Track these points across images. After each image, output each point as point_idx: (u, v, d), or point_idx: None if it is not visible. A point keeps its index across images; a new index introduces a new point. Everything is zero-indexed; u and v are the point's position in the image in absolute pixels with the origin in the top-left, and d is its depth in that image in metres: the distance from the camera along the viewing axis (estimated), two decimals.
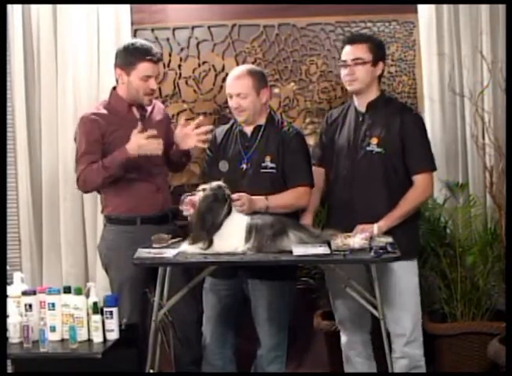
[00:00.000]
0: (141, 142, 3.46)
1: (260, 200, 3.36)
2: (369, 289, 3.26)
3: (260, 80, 3.51)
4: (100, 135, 3.54)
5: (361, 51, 3.44)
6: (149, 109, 3.68)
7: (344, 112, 3.59)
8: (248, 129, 3.56)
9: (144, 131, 3.48)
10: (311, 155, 3.60)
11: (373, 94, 3.49)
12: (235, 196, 3.25)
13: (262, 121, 3.55)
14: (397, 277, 3.38)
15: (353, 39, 3.51)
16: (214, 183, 3.23)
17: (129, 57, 3.55)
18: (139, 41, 3.69)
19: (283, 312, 3.52)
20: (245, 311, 3.60)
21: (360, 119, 3.50)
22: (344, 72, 3.47)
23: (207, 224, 3.15)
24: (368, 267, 3.44)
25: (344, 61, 3.47)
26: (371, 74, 3.45)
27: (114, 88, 3.67)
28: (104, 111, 3.60)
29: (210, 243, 3.14)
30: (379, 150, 3.42)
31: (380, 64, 3.48)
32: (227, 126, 3.66)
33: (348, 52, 3.46)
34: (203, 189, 3.23)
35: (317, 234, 3.22)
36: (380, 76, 3.53)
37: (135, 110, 3.64)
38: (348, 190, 3.46)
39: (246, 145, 3.54)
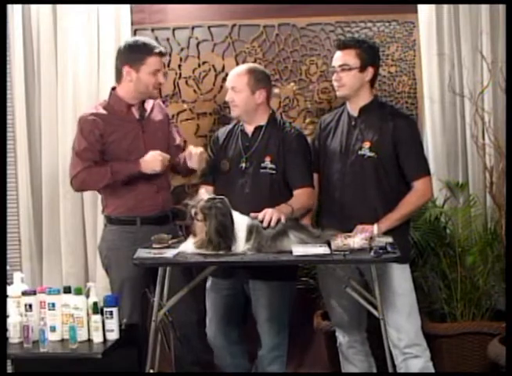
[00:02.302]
0: (157, 159, 3.47)
1: (285, 208, 3.34)
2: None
3: (259, 79, 3.52)
4: (99, 135, 3.53)
5: (348, 57, 3.42)
6: (148, 109, 3.68)
7: (337, 116, 3.58)
8: (249, 129, 3.57)
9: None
10: None
11: (365, 98, 3.49)
12: (260, 215, 3.24)
13: (263, 121, 3.56)
14: (389, 282, 3.38)
15: (342, 44, 3.48)
16: (217, 197, 3.22)
17: (137, 53, 3.55)
18: (140, 38, 3.70)
19: (283, 313, 3.52)
20: (247, 310, 3.60)
21: (353, 123, 3.49)
22: (333, 77, 3.49)
23: (229, 233, 3.14)
24: (360, 270, 3.46)
25: (333, 67, 3.48)
26: (358, 81, 3.44)
27: (113, 89, 3.66)
28: (103, 111, 3.60)
29: (230, 249, 3.15)
30: (371, 154, 3.42)
31: (370, 69, 3.45)
32: (230, 126, 3.68)
33: (337, 58, 3.47)
34: (206, 201, 3.21)
35: (317, 234, 3.21)
36: (372, 80, 3.50)
37: (134, 110, 3.63)
38: (340, 194, 3.45)
39: (247, 145, 3.55)
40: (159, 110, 3.74)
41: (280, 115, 4.24)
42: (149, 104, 3.70)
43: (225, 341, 3.62)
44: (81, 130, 3.56)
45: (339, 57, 3.46)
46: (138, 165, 3.49)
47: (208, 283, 3.60)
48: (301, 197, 3.47)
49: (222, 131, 3.68)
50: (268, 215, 3.23)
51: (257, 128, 3.55)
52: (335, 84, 3.48)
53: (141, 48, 3.56)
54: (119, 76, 3.61)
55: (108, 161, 3.53)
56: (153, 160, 3.49)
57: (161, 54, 3.59)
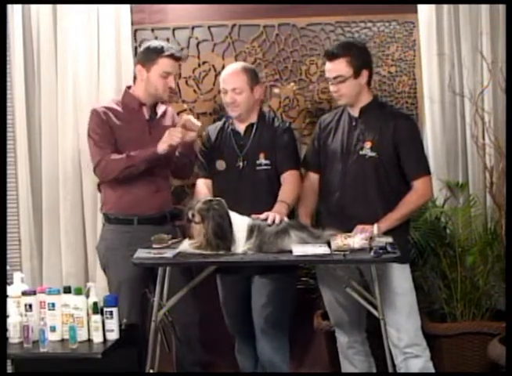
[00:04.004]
0: (171, 133, 3.49)
1: (282, 207, 3.37)
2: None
3: (253, 77, 3.59)
4: (109, 127, 3.57)
5: (339, 67, 3.41)
6: (159, 112, 3.70)
7: (337, 117, 3.58)
8: (241, 128, 3.61)
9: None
10: (303, 160, 3.65)
11: (364, 99, 3.48)
12: (262, 216, 3.26)
13: (254, 118, 3.60)
14: (389, 282, 3.37)
15: (331, 55, 3.44)
16: (213, 199, 3.23)
17: (151, 54, 3.60)
18: (162, 42, 3.75)
19: (282, 305, 3.53)
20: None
21: (353, 124, 3.49)
22: (330, 88, 3.49)
23: (228, 234, 3.15)
24: (360, 270, 3.46)
25: (328, 78, 3.48)
26: (356, 87, 3.43)
27: (128, 88, 3.70)
28: (115, 107, 3.64)
29: (229, 250, 3.16)
30: (372, 154, 3.42)
31: (364, 72, 3.43)
32: (219, 124, 3.70)
33: (329, 70, 3.46)
34: (203, 203, 3.21)
35: (318, 235, 3.22)
36: (369, 81, 3.49)
37: (145, 110, 3.65)
38: (340, 194, 3.45)
39: (241, 143, 3.59)
40: (171, 117, 3.77)
41: (280, 115, 4.24)
42: (160, 109, 3.73)
43: (244, 335, 3.69)
44: (95, 121, 3.60)
45: (331, 69, 3.44)
46: (154, 148, 3.50)
47: (217, 281, 3.66)
48: (290, 183, 3.51)
49: (213, 129, 3.70)
50: (272, 216, 3.25)
51: (249, 126, 3.59)
52: (334, 94, 3.49)
53: (155, 48, 3.61)
54: (134, 75, 3.69)
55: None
56: (168, 137, 3.49)
57: (174, 57, 3.61)
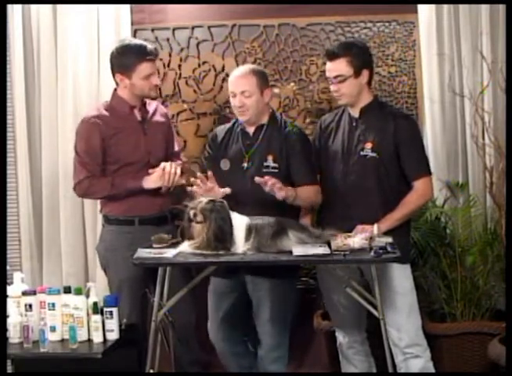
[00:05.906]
0: (167, 176, 3.48)
1: (289, 190, 3.32)
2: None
3: (263, 79, 3.51)
4: (101, 139, 3.53)
5: (340, 66, 3.40)
6: (150, 111, 3.68)
7: (337, 117, 3.58)
8: (250, 129, 3.55)
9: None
10: None
11: (365, 99, 3.48)
12: (262, 180, 3.23)
13: (264, 120, 3.54)
14: (389, 282, 3.38)
15: (331, 54, 3.43)
16: (216, 199, 3.20)
17: (126, 60, 3.53)
18: (130, 40, 3.68)
19: (285, 312, 3.51)
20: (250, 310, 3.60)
21: (354, 124, 3.49)
22: (331, 87, 3.48)
23: (228, 236, 3.14)
24: (361, 270, 3.46)
25: (328, 78, 3.47)
26: (356, 87, 3.42)
27: (116, 89, 3.66)
28: (105, 113, 3.59)
29: (228, 250, 3.14)
30: (373, 154, 3.41)
31: (365, 72, 3.42)
32: (228, 125, 3.66)
33: (329, 70, 3.45)
34: (206, 202, 3.21)
35: (317, 234, 3.21)
36: (370, 81, 3.49)
37: (136, 112, 3.63)
38: (341, 195, 3.45)
39: (248, 143, 3.53)
40: (161, 113, 3.74)
41: (280, 115, 4.24)
42: (151, 107, 3.70)
43: (229, 342, 3.60)
44: (82, 134, 3.56)
45: (331, 68, 3.43)
46: (140, 183, 3.50)
47: (210, 285, 3.60)
48: (306, 191, 3.45)
49: (221, 130, 3.66)
50: (272, 180, 3.22)
51: (259, 127, 3.53)
52: (334, 94, 3.48)
53: (129, 54, 3.53)
54: (115, 81, 3.62)
55: (113, 170, 3.53)
56: (156, 174, 3.49)
57: (151, 59, 3.55)
